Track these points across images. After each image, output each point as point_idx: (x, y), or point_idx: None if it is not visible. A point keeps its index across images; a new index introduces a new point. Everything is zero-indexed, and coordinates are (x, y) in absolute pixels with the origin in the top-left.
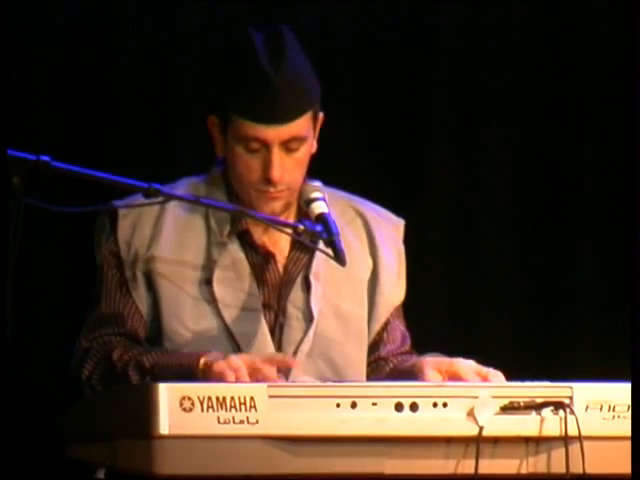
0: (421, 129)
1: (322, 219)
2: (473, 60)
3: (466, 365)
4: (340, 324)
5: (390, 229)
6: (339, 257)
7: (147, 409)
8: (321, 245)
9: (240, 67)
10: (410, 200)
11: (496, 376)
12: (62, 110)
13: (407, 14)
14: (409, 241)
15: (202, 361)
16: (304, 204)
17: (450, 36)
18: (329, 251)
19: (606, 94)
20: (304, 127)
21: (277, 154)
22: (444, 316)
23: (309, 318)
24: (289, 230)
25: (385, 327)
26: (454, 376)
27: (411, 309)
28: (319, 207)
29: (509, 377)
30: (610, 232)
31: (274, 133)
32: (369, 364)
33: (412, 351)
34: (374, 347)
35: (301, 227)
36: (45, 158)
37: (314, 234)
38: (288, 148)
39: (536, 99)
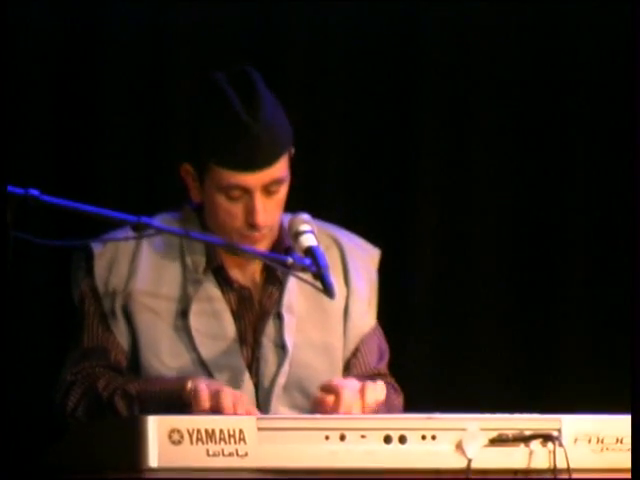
0: (408, 157)
1: (310, 252)
2: (462, 80)
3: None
4: (315, 355)
5: (365, 258)
6: (328, 290)
7: (136, 442)
8: (305, 276)
9: (216, 117)
10: (396, 233)
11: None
12: (51, 144)
13: (393, 34)
14: (394, 275)
15: (189, 385)
16: (292, 237)
17: (438, 53)
18: (318, 284)
19: (603, 97)
20: (283, 168)
21: (259, 199)
22: (431, 347)
23: (283, 351)
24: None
25: (355, 354)
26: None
27: (397, 338)
28: (307, 240)
29: (498, 409)
30: (601, 263)
31: (255, 179)
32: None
33: (385, 372)
34: (343, 374)
35: (290, 260)
36: (34, 192)
37: (303, 267)
38: (269, 191)
39: (530, 120)
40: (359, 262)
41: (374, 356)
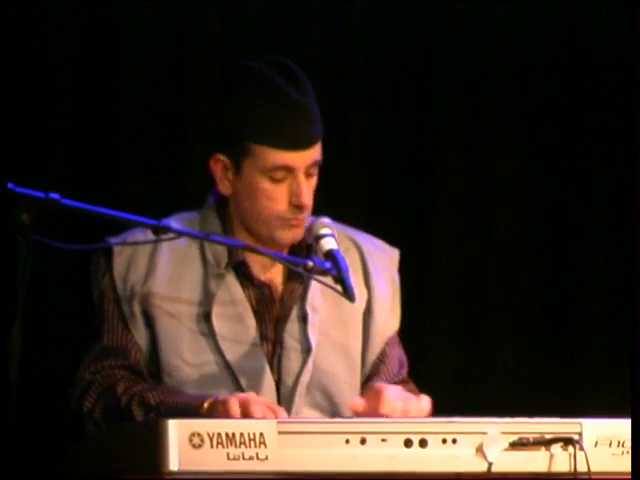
0: (428, 156)
1: (331, 256)
2: (485, 81)
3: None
4: (336, 355)
5: (384, 259)
6: (348, 294)
7: (156, 445)
8: (325, 279)
9: (261, 97)
10: (417, 236)
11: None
12: (71, 147)
13: (414, 38)
14: (414, 277)
15: (206, 404)
16: (313, 240)
17: (460, 60)
18: (338, 287)
19: (617, 98)
20: (319, 151)
21: (302, 179)
22: (450, 349)
23: (307, 349)
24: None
25: (381, 358)
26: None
27: (416, 341)
28: (328, 243)
29: (518, 412)
30: (625, 263)
31: (300, 158)
32: (362, 395)
33: (407, 379)
34: (369, 378)
35: (310, 264)
36: (54, 196)
37: (323, 271)
38: (308, 174)
39: (554, 120)
40: (379, 263)
41: (397, 362)
